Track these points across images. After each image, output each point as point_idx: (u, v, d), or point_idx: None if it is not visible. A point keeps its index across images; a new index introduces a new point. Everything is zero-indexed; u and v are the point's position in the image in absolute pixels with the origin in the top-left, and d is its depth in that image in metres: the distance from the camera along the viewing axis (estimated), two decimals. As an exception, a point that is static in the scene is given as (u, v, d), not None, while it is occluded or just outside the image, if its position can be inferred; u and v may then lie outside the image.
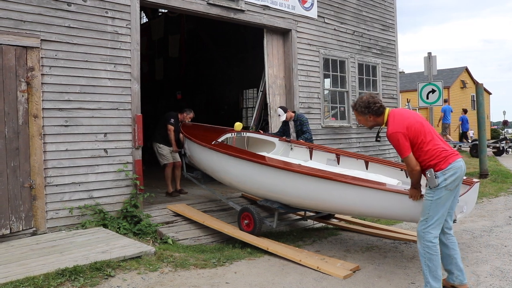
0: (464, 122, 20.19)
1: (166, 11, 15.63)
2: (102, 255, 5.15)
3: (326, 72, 10.75)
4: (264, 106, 10.36)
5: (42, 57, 6.26)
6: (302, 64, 10.06)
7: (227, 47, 15.93)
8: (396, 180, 5.91)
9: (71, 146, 6.53)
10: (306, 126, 8.20)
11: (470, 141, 19.60)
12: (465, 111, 20.65)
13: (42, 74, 6.27)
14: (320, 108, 10.50)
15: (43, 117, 6.26)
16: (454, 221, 4.77)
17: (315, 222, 7.62)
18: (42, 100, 6.25)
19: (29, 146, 6.13)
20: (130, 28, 7.18)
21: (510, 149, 18.41)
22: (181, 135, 8.39)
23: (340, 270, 5.10)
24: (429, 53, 12.73)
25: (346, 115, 11.38)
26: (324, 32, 10.64)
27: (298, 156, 7.72)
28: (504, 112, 68.75)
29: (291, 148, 8.05)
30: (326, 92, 10.93)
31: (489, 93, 39.22)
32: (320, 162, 7.24)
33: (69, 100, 6.52)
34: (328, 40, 10.75)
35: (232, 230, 6.49)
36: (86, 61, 6.70)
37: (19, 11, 6.08)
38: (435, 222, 4.26)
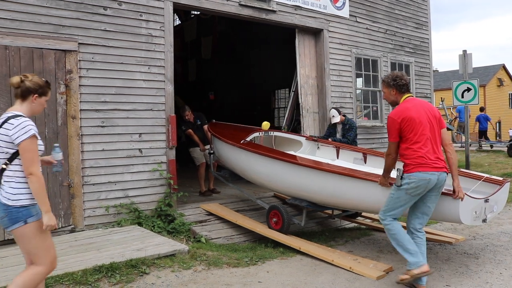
0: (481, 120, 19.67)
1: (198, 13, 15.82)
2: (137, 253, 5.28)
3: (358, 72, 10.66)
4: (296, 106, 10.35)
5: (79, 60, 6.45)
6: (334, 63, 10.00)
7: (259, 48, 15.96)
8: None
9: (107, 146, 6.70)
10: (353, 131, 8.20)
11: (489, 140, 19.34)
12: (482, 109, 20.15)
13: (80, 77, 6.46)
14: (352, 108, 10.42)
15: (80, 118, 6.45)
16: (484, 221, 4.96)
17: (347, 222, 7.58)
18: (80, 101, 6.44)
19: (68, 146, 6.32)
20: (163, 31, 7.31)
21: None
22: (209, 134, 8.50)
23: (373, 271, 5.07)
24: (464, 51, 12.43)
25: (379, 114, 11.25)
26: (356, 31, 10.55)
27: (325, 155, 7.77)
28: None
29: (318, 147, 8.10)
30: (358, 91, 10.83)
31: (528, 91, 38.02)
32: (347, 161, 7.25)
33: (105, 102, 6.69)
34: (360, 39, 10.66)
35: (264, 230, 6.53)
36: (122, 63, 6.86)
37: (59, 16, 6.29)
38: (391, 213, 4.67)
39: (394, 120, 4.53)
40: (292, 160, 6.41)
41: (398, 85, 4.71)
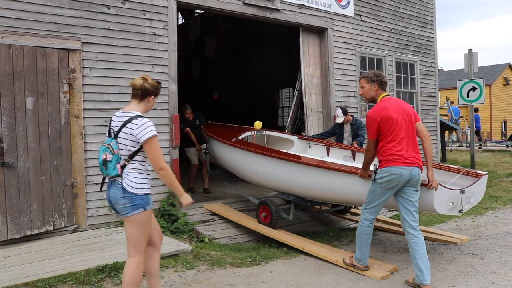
0: (476, 120, 19.77)
1: (202, 11, 15.79)
2: (140, 252, 5.25)
3: (363, 71, 10.61)
4: (300, 105, 10.32)
5: (83, 59, 6.44)
6: (338, 62, 9.96)
7: (263, 47, 15.94)
8: None
9: (110, 146, 6.67)
10: (362, 131, 8.20)
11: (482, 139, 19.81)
12: (476, 110, 20.24)
13: (83, 76, 6.45)
14: (357, 107, 10.38)
15: (84, 117, 6.44)
16: (461, 211, 5.19)
17: (351, 222, 7.55)
18: (83, 101, 6.43)
19: (71, 145, 6.31)
20: (167, 29, 7.30)
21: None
22: (204, 134, 8.59)
23: (377, 271, 5.04)
24: (470, 50, 12.34)
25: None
26: (360, 30, 10.51)
27: (315, 153, 8.04)
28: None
29: (309, 146, 8.31)
30: (362, 90, 10.78)
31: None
32: (337, 158, 7.53)
33: (109, 101, 6.68)
34: (365, 38, 10.61)
35: (268, 230, 6.50)
36: (125, 62, 6.85)
37: (62, 15, 6.28)
38: (371, 208, 4.86)
39: (373, 119, 4.67)
40: (275, 154, 6.54)
41: (381, 82, 4.85)
